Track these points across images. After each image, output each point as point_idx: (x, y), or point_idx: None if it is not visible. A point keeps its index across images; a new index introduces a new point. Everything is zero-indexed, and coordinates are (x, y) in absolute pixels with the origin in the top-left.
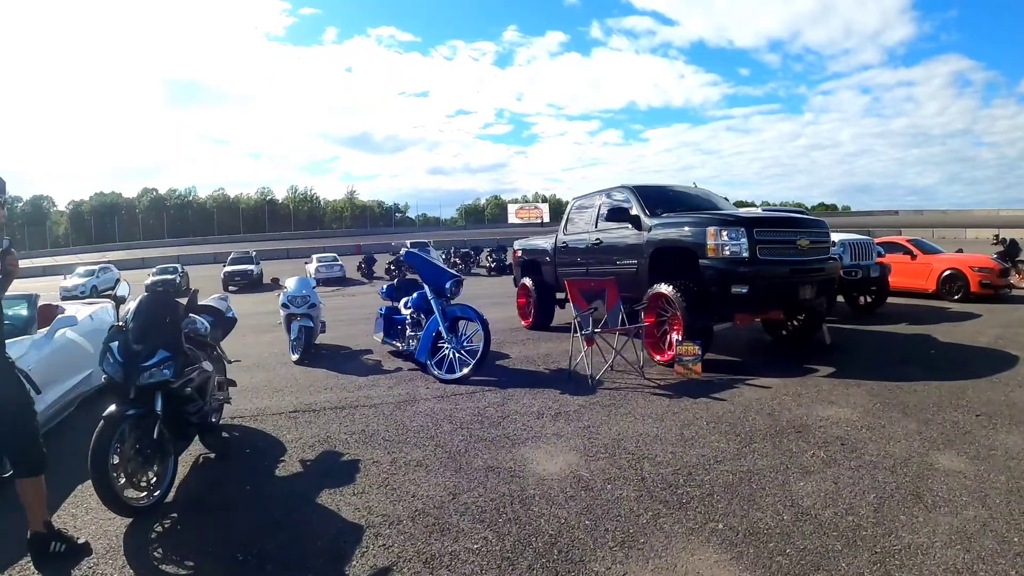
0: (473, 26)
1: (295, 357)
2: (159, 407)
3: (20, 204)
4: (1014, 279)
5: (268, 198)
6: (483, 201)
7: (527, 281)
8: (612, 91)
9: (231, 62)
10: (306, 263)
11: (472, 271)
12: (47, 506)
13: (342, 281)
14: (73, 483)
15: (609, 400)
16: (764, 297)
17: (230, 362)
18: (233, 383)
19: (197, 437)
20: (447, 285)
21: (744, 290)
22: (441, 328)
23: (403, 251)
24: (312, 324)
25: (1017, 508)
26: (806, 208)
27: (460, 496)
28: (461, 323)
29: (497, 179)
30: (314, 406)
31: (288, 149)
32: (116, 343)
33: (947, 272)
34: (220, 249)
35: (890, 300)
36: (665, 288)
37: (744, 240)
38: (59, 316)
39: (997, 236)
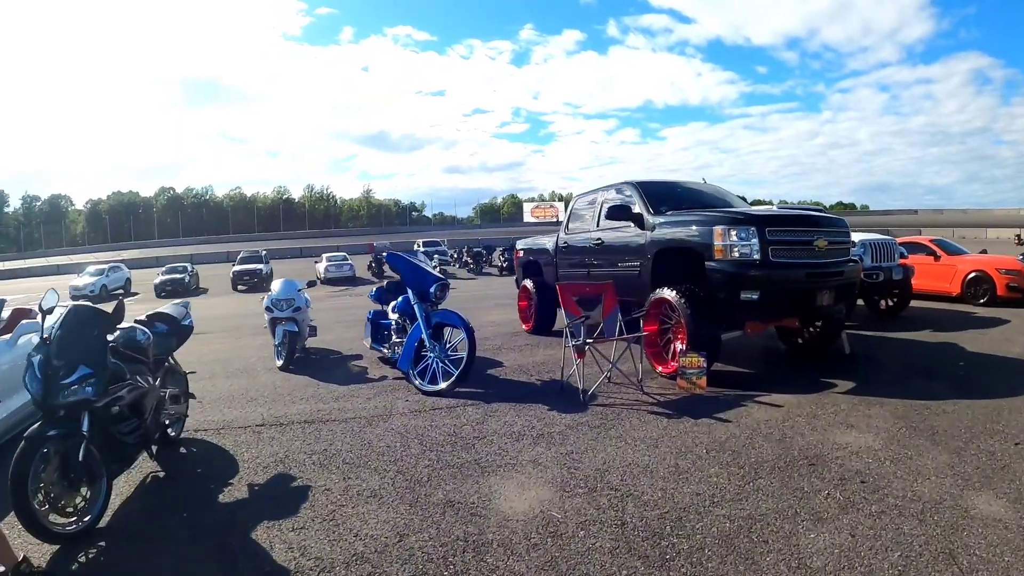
0: (489, 25)
1: (279, 363)
2: (85, 427)
3: (38, 203)
4: None
5: (284, 197)
6: (499, 200)
7: (528, 283)
8: (629, 89)
9: (249, 62)
10: (316, 262)
11: (484, 271)
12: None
13: (351, 280)
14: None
15: (600, 419)
16: (777, 304)
17: (183, 373)
18: (191, 396)
19: (147, 454)
20: (431, 289)
21: (755, 296)
22: (424, 336)
23: (384, 252)
24: (297, 328)
25: None
26: (824, 207)
27: (408, 538)
28: (447, 330)
29: (514, 178)
30: (283, 419)
31: (305, 148)
32: (39, 357)
33: (972, 274)
34: (234, 248)
35: (912, 303)
36: (668, 293)
37: (755, 240)
38: (23, 321)
39: (1019, 236)
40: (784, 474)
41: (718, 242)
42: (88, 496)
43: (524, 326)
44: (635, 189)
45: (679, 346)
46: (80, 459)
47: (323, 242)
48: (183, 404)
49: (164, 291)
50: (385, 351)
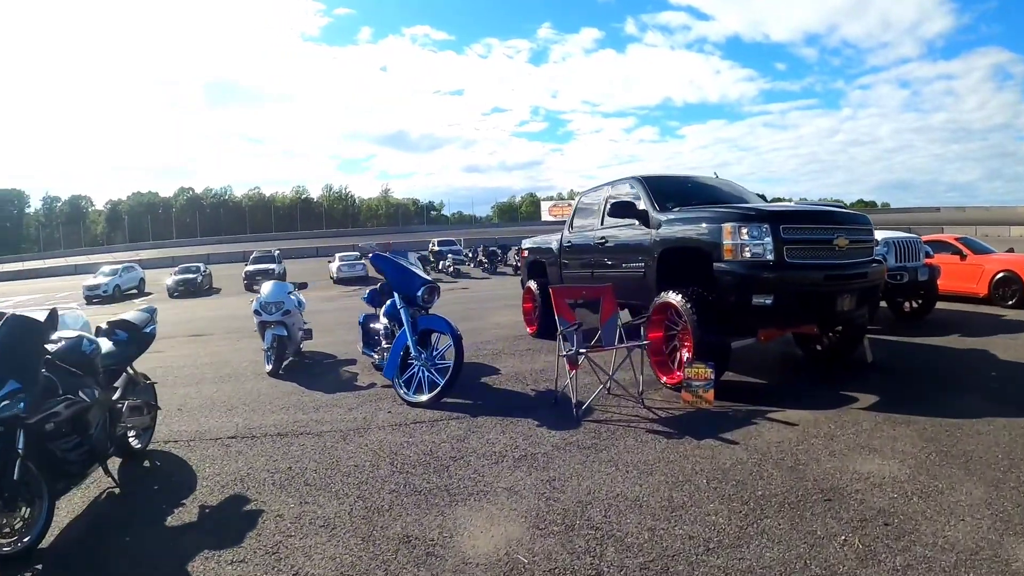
0: (507, 24)
1: (268, 368)
2: (21, 445)
3: (59, 204)
4: None
5: (303, 196)
6: (518, 199)
7: (532, 284)
8: (647, 87)
9: (268, 63)
10: (330, 262)
11: (498, 270)
12: None
13: (364, 280)
14: None
15: (591, 438)
16: (793, 309)
17: (146, 383)
18: (156, 407)
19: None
20: (418, 292)
21: (768, 301)
22: (409, 342)
23: (370, 254)
24: (286, 332)
25: None
26: (844, 205)
27: None
28: (435, 336)
29: (533, 177)
30: (256, 431)
31: (324, 148)
32: None
33: (1000, 274)
34: (252, 248)
35: (937, 305)
36: (673, 297)
37: (768, 239)
38: None
39: None
40: (795, 512)
41: (727, 241)
42: (28, 515)
43: (528, 329)
44: (640, 184)
45: (685, 355)
46: (16, 478)
47: (340, 241)
48: (146, 415)
49: (177, 291)
50: (376, 357)
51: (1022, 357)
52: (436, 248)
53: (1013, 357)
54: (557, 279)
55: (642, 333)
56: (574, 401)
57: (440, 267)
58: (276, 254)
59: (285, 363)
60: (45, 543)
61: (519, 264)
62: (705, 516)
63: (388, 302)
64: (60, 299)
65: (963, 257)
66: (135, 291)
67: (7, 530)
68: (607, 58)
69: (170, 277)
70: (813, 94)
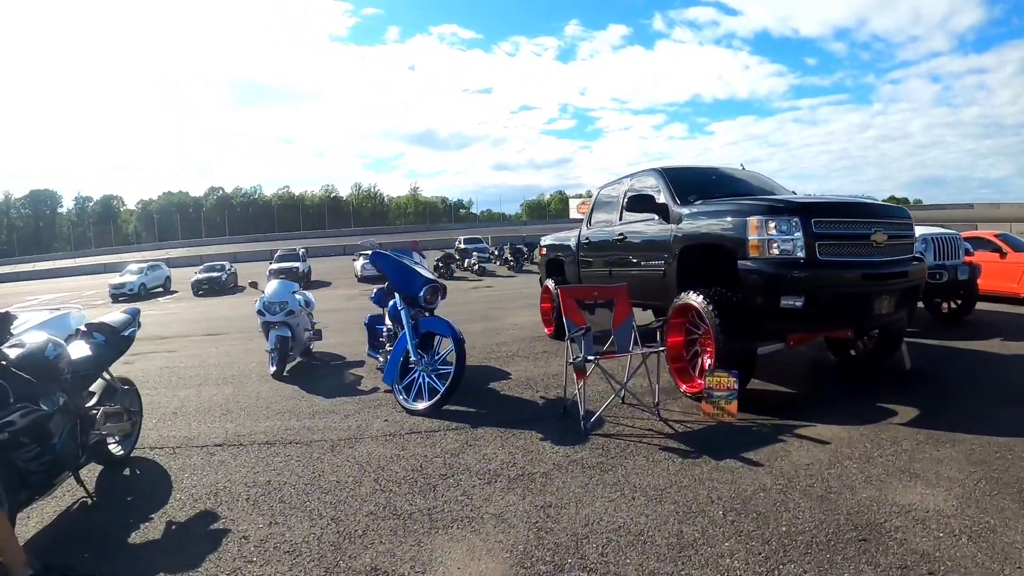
0: (534, 22)
1: (272, 370)
2: None
3: (91, 204)
4: None
5: (332, 195)
6: (547, 196)
7: (550, 283)
8: (676, 84)
9: (296, 63)
10: (354, 260)
11: (524, 268)
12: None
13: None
14: None
15: (598, 456)
16: (826, 312)
17: (123, 388)
18: (136, 412)
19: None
20: (420, 293)
21: (798, 303)
22: (409, 346)
23: (370, 252)
24: (290, 333)
25: None
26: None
27: None
28: (438, 339)
29: (562, 174)
30: (245, 438)
31: (353, 147)
32: None
33: None
34: (280, 246)
35: (976, 306)
36: (694, 298)
37: (798, 234)
38: None
39: None
40: (824, 555)
41: (753, 236)
42: None
43: (546, 330)
44: (660, 176)
45: (707, 361)
46: None
47: (378, 240)
48: (126, 422)
49: (201, 289)
50: (381, 359)
51: None
52: (462, 246)
53: None
54: (575, 278)
55: (658, 337)
56: (582, 412)
57: (466, 265)
58: (301, 252)
59: (291, 365)
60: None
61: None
62: (718, 558)
63: (391, 303)
64: (88, 297)
65: (1003, 255)
66: (161, 289)
67: None
68: (635, 55)
69: (195, 275)
70: (843, 89)
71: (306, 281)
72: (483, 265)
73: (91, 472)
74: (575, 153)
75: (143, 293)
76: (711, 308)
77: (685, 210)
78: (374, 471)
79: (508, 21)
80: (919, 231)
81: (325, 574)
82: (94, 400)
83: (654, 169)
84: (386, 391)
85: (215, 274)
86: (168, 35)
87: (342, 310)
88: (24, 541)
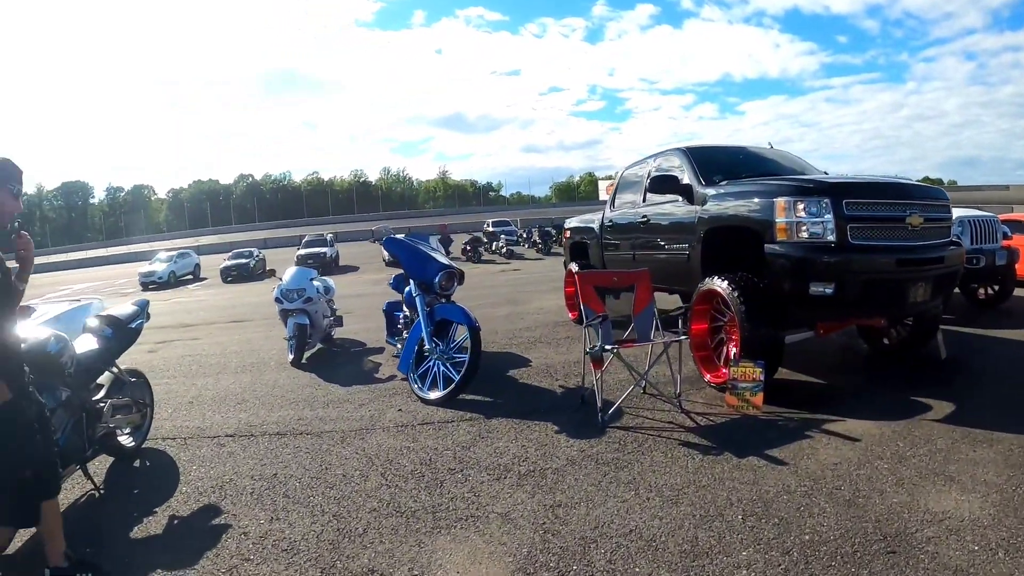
0: (561, 3)
1: (290, 358)
2: None
3: (122, 194)
4: None
5: (361, 180)
6: (576, 178)
7: (574, 266)
8: (705, 63)
9: (323, 50)
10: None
11: (552, 250)
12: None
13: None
14: None
15: (614, 451)
16: (858, 299)
17: (131, 380)
18: (147, 404)
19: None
20: (435, 279)
21: (828, 290)
22: (424, 334)
23: (383, 237)
24: (308, 320)
25: None
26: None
27: None
28: (454, 326)
29: (591, 156)
30: (256, 429)
31: (382, 132)
32: None
33: None
34: (309, 231)
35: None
36: (719, 284)
37: (829, 216)
38: None
39: None
40: (849, 569)
41: (781, 218)
42: None
43: (570, 315)
44: (684, 156)
45: (732, 350)
46: None
47: (397, 223)
48: (135, 414)
49: (230, 275)
50: (398, 347)
51: None
52: (490, 229)
53: None
54: (600, 261)
55: (680, 324)
56: (599, 403)
57: (494, 248)
58: (329, 237)
59: (310, 352)
60: (11, 548)
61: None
62: (734, 570)
63: (407, 289)
64: (119, 286)
65: None
66: (190, 277)
67: None
68: (663, 34)
69: (224, 262)
70: (876, 67)
71: (334, 266)
72: (511, 248)
73: (101, 464)
74: (605, 134)
75: (172, 281)
76: (736, 294)
77: (710, 191)
78: (382, 464)
79: (534, 2)
80: (955, 213)
81: (321, 575)
82: (102, 393)
83: (678, 148)
84: (402, 379)
85: (243, 261)
86: (196, 29)
87: (368, 295)
88: (28, 534)
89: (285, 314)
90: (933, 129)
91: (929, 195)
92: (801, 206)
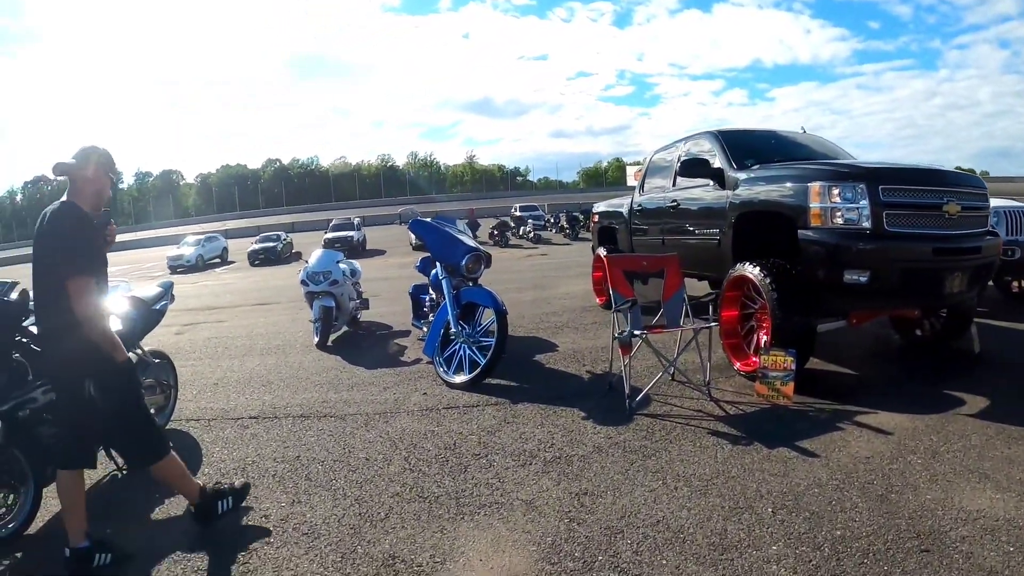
0: None
1: (316, 340)
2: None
3: (151, 179)
4: None
5: (388, 164)
6: (605, 164)
7: (602, 251)
8: (735, 49)
9: (351, 35)
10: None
11: (579, 235)
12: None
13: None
14: None
15: (642, 439)
16: (893, 289)
17: (155, 361)
18: (170, 385)
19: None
20: (462, 262)
21: (863, 278)
22: (450, 317)
23: (409, 220)
24: (334, 303)
25: None
26: None
27: None
28: (480, 309)
29: (620, 141)
30: (280, 411)
31: (410, 117)
32: None
33: None
34: (336, 215)
35: None
36: (750, 270)
37: (864, 202)
38: None
39: None
40: (880, 567)
41: (815, 204)
42: (12, 503)
43: (598, 300)
44: (715, 139)
45: (763, 338)
46: None
47: (425, 207)
48: (159, 395)
49: (257, 259)
50: (424, 330)
51: None
52: (517, 214)
53: None
54: (628, 246)
55: (711, 311)
56: (627, 390)
57: (521, 233)
58: (356, 221)
59: (336, 335)
60: (33, 528)
61: None
62: (764, 564)
63: (433, 272)
64: (147, 269)
65: None
66: (218, 260)
67: None
68: (693, 18)
69: (251, 245)
70: (908, 54)
71: (361, 249)
72: (538, 233)
73: None
74: (633, 120)
75: (200, 264)
76: (768, 281)
77: (742, 175)
78: (405, 448)
79: None
80: (992, 203)
81: (340, 560)
82: None
83: (709, 132)
84: (428, 363)
85: (271, 244)
86: (224, 13)
87: (395, 279)
88: (50, 515)
89: (311, 296)
90: (966, 118)
91: (966, 183)
92: (836, 191)
